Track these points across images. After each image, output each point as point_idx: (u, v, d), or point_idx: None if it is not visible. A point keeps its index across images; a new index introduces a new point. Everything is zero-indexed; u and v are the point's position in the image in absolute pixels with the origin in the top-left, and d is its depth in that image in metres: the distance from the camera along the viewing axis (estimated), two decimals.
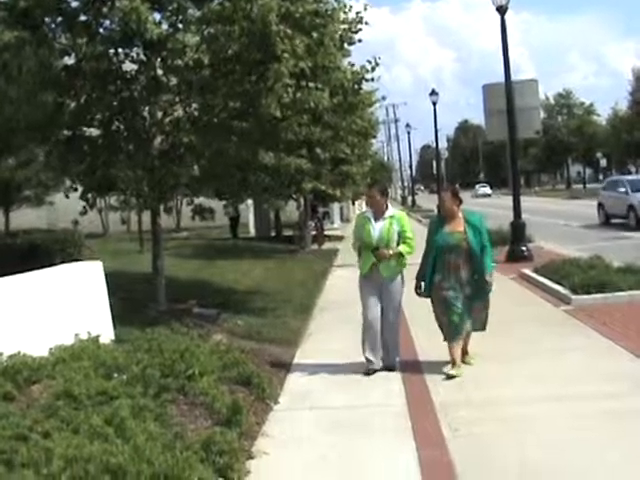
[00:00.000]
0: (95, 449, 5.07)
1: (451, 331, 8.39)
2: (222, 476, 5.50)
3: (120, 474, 4.77)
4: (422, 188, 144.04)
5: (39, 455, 4.92)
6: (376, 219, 8.72)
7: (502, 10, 18.23)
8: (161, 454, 5.15)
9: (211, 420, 6.43)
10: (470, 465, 5.63)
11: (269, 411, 7.33)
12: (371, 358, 8.64)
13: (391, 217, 8.73)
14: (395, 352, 8.85)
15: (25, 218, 27.27)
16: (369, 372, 8.54)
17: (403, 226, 8.73)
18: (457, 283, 8.35)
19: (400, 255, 8.67)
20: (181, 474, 4.91)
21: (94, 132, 11.88)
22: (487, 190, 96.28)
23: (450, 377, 8.09)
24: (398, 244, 8.67)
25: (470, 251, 8.35)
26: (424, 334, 9.68)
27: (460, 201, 8.59)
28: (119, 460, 4.91)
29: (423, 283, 8.64)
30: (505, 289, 13.09)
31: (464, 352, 8.63)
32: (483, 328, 8.70)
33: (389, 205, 8.88)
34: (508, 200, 20.78)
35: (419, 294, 8.73)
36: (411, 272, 8.85)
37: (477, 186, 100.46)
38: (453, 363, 8.30)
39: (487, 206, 42.84)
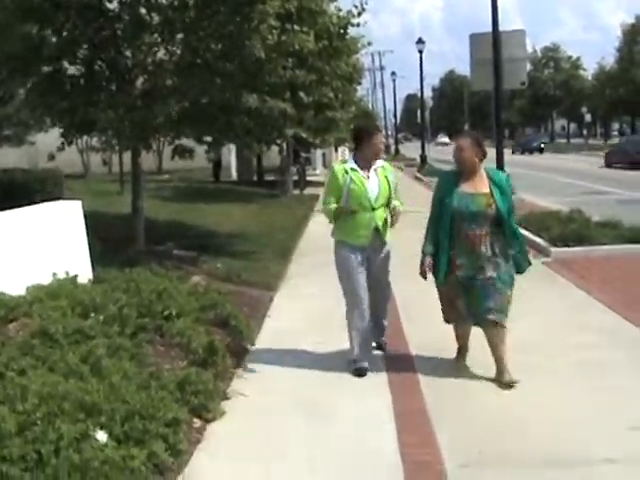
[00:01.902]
0: (70, 387, 5.06)
1: (466, 312, 6.50)
2: (197, 416, 5.53)
3: (95, 412, 4.77)
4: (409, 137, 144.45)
5: (14, 392, 4.91)
6: (363, 170, 6.82)
7: None
8: (136, 393, 5.16)
9: (187, 361, 6.43)
10: (444, 412, 5.70)
11: (246, 353, 7.35)
12: (362, 357, 6.83)
13: (383, 168, 6.93)
14: (384, 322, 7.43)
15: (5, 158, 26.96)
16: (361, 372, 6.71)
17: (394, 178, 7.06)
18: (476, 262, 6.33)
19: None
20: (155, 413, 4.92)
21: (75, 72, 11.71)
22: (446, 139, 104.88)
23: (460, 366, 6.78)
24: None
25: (497, 220, 6.33)
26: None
27: (484, 154, 6.46)
28: (94, 398, 4.91)
29: (437, 265, 6.51)
30: None
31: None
32: (504, 318, 6.40)
33: None
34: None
35: (430, 278, 6.64)
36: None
37: (438, 135, 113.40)
38: (459, 351, 6.92)
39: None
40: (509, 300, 6.37)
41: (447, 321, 6.81)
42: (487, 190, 6.36)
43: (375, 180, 6.82)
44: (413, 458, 4.90)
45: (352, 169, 6.83)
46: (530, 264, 6.58)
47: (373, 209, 6.75)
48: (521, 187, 21.58)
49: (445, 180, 6.68)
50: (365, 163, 6.85)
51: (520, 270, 6.49)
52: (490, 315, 6.29)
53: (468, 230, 6.32)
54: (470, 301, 6.39)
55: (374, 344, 7.23)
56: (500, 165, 19.05)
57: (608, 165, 40.94)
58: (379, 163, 6.94)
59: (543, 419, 5.35)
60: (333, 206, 6.84)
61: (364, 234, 6.79)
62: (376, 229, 6.80)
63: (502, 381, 6.21)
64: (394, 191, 6.93)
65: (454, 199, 6.33)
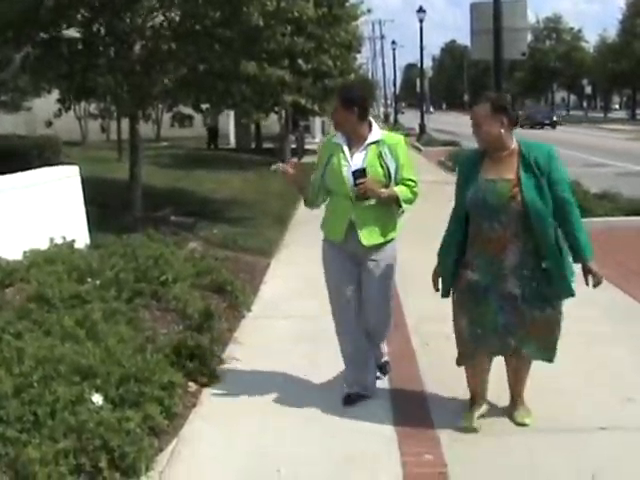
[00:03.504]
0: (66, 350, 5.10)
1: (471, 339, 4.79)
2: (192, 380, 5.57)
3: (90, 374, 4.81)
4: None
5: (11, 355, 4.94)
6: (350, 148, 5.22)
7: None
8: (131, 357, 5.19)
9: (183, 325, 6.47)
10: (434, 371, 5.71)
11: (241, 318, 7.38)
12: (352, 381, 5.45)
13: (376, 144, 5.19)
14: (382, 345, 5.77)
15: (1, 125, 26.84)
16: (348, 401, 5.34)
17: (399, 158, 5.19)
18: (497, 272, 4.65)
19: (394, 205, 5.21)
20: (151, 376, 4.95)
21: (73, 36, 11.65)
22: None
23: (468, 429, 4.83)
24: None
25: (527, 215, 4.53)
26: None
27: (511, 121, 4.67)
28: (90, 361, 4.95)
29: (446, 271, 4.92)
30: None
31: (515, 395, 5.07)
32: (549, 358, 4.85)
33: (374, 124, 5.25)
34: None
35: (441, 291, 4.98)
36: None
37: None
38: (472, 401, 5.04)
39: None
40: (557, 321, 4.74)
41: (463, 358, 4.96)
42: (513, 175, 4.58)
43: (360, 160, 5.16)
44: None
45: (335, 144, 5.29)
46: (572, 294, 4.69)
47: (351, 199, 5.12)
48: None
49: (465, 163, 5.01)
50: (350, 137, 5.25)
51: (558, 296, 4.73)
52: (510, 343, 4.73)
53: (489, 231, 4.63)
54: (483, 318, 4.71)
55: (366, 385, 5.50)
56: None
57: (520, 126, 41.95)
58: (374, 136, 5.22)
59: (542, 390, 5.36)
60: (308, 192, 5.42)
61: (337, 229, 5.26)
62: (351, 225, 5.19)
63: (515, 420, 4.93)
64: (396, 174, 5.19)
65: (470, 188, 4.69)
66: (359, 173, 5.03)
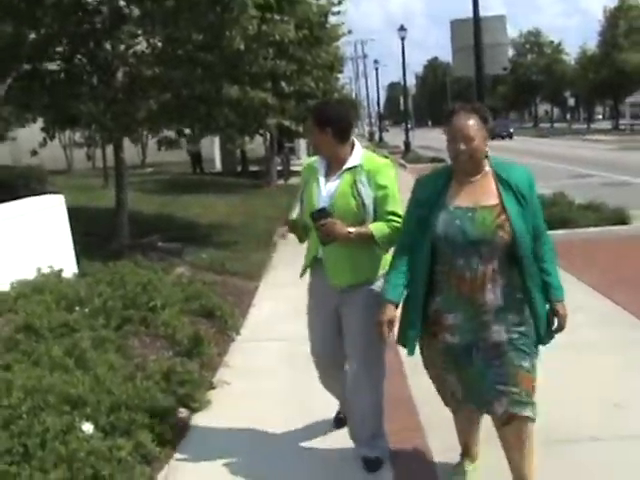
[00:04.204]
0: (55, 380, 5.08)
1: (453, 399, 4.17)
2: (183, 405, 5.55)
3: (80, 403, 4.80)
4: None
5: None
6: (328, 174, 4.56)
7: None
8: (122, 384, 5.19)
9: (173, 351, 6.46)
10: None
11: (231, 342, 7.38)
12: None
13: (352, 171, 4.46)
14: (377, 430, 4.67)
15: None
16: (342, 421, 5.10)
17: (379, 186, 4.41)
18: (476, 319, 3.85)
19: (370, 242, 4.37)
20: (141, 404, 4.95)
21: (56, 67, 11.67)
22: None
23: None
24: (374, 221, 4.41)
25: (514, 249, 3.81)
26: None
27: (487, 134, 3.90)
28: (79, 390, 4.93)
29: (404, 323, 4.08)
30: None
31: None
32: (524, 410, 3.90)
33: (357, 147, 4.56)
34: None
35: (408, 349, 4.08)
36: None
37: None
38: (463, 453, 4.41)
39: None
40: (531, 379, 3.91)
41: (447, 405, 4.33)
42: (495, 201, 3.82)
43: (333, 188, 4.49)
44: None
45: (313, 168, 4.68)
46: (552, 337, 4.08)
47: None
48: None
49: (426, 186, 4.04)
50: (334, 161, 4.57)
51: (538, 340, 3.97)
52: (500, 404, 3.88)
53: (465, 269, 3.81)
54: (467, 379, 3.96)
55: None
56: None
57: None
58: (353, 161, 4.50)
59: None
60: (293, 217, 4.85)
61: (306, 261, 4.72)
62: (315, 259, 4.59)
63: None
64: (376, 206, 4.41)
65: (439, 220, 3.84)
66: (318, 214, 4.31)
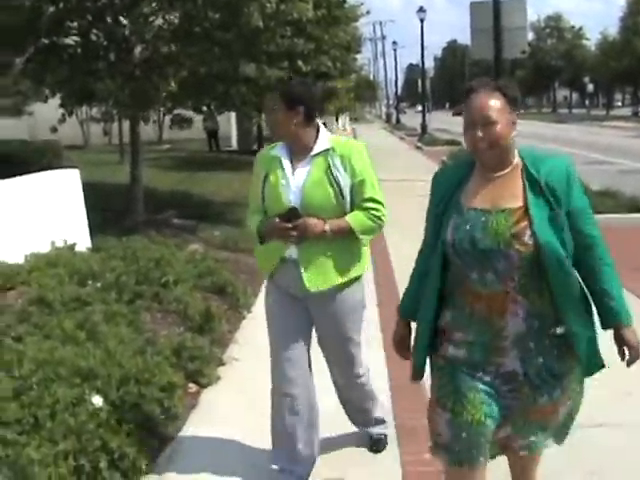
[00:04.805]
0: (66, 352, 5.10)
1: (454, 441, 3.07)
2: (193, 381, 5.58)
3: (90, 376, 4.82)
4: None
5: (11, 358, 4.96)
6: (294, 160, 4.06)
7: None
8: (132, 358, 5.20)
9: (184, 327, 6.48)
10: None
11: (242, 319, 7.40)
12: (283, 466, 4.21)
13: (324, 155, 4.01)
14: (376, 414, 4.68)
15: (4, 130, 26.88)
16: None
17: (355, 172, 3.97)
18: (492, 341, 3.07)
19: (351, 237, 3.97)
20: (151, 378, 4.96)
21: (73, 42, 11.67)
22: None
23: None
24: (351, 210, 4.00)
25: (541, 261, 2.96)
26: None
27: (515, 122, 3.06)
28: (90, 363, 4.95)
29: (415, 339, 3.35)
30: None
31: None
32: (559, 440, 3.45)
33: (322, 130, 4.15)
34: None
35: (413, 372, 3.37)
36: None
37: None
38: None
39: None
40: (548, 416, 3.23)
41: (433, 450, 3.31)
42: (518, 203, 3.01)
43: (302, 177, 3.99)
44: None
45: (273, 157, 4.10)
46: (603, 365, 3.28)
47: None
48: None
49: (441, 181, 3.29)
50: (298, 146, 4.06)
51: (584, 372, 3.26)
52: (514, 441, 3.31)
53: (479, 285, 3.05)
54: (462, 414, 3.05)
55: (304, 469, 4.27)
56: None
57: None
58: (321, 145, 4.04)
59: None
60: (254, 223, 4.18)
61: (269, 262, 4.14)
62: (293, 264, 4.00)
63: None
64: (353, 194, 3.98)
65: (450, 223, 3.11)
66: (288, 216, 3.84)
